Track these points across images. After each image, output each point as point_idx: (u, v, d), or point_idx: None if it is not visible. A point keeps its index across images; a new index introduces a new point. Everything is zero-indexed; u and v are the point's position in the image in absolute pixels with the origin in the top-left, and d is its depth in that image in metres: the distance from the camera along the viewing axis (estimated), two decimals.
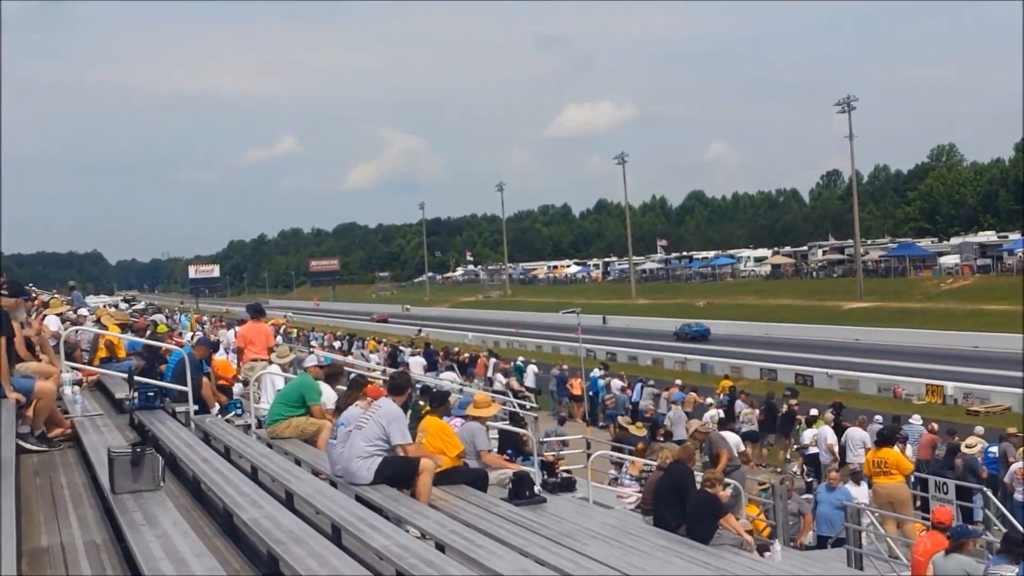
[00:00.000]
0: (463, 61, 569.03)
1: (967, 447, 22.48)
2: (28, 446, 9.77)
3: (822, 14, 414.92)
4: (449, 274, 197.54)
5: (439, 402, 12.87)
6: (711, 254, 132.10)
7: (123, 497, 7.16)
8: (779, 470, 26.45)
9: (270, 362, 16.49)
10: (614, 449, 22.60)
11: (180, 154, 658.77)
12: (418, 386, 16.76)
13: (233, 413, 14.40)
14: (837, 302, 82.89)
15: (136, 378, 12.64)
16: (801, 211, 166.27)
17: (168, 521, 6.57)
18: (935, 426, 26.21)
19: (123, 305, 39.99)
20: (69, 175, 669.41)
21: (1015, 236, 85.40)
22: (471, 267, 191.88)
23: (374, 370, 27.92)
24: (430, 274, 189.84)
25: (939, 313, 69.67)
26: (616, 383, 38.10)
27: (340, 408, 13.00)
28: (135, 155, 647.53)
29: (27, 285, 18.89)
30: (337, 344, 60.82)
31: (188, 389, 12.75)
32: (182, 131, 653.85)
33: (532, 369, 43.87)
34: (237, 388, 16.53)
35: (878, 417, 28.12)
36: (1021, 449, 22.18)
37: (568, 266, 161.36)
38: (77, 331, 16.73)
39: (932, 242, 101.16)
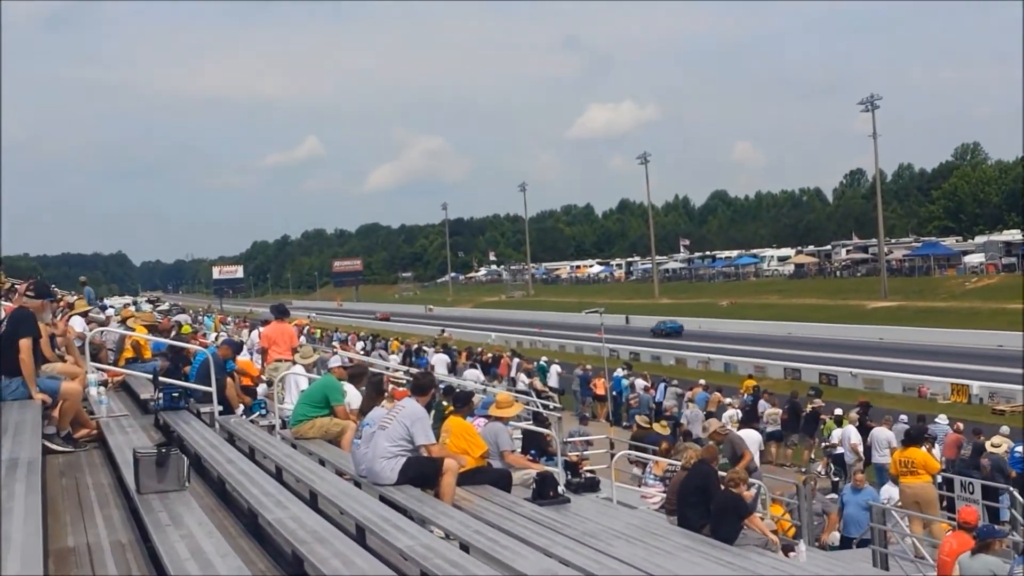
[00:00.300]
0: (486, 62, 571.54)
1: (993, 446, 22.35)
2: (54, 447, 9.82)
3: (846, 13, 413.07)
4: (472, 274, 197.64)
5: (462, 402, 12.88)
6: (734, 253, 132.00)
7: (148, 497, 7.18)
8: (803, 470, 26.36)
9: (294, 363, 16.52)
10: (633, 448, 22.54)
11: (204, 156, 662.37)
12: (441, 386, 16.79)
13: (257, 413, 14.42)
14: (861, 301, 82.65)
15: (161, 379, 12.67)
16: (825, 210, 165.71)
17: (193, 521, 6.58)
18: (960, 426, 26.08)
19: (147, 306, 40.04)
20: (94, 176, 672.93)
21: None
22: (494, 267, 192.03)
23: (397, 370, 27.96)
24: (453, 274, 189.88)
25: (964, 312, 69.40)
26: (639, 383, 38.10)
27: (363, 410, 13.04)
28: (160, 157, 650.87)
29: (52, 286, 18.97)
30: (360, 345, 60.90)
31: (213, 390, 12.75)
32: (206, 133, 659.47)
33: (555, 369, 43.94)
34: (261, 389, 16.56)
35: (903, 417, 27.99)
36: None
37: (591, 266, 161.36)
38: (102, 332, 16.80)
39: (956, 241, 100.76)
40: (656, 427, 24.92)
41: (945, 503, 19.42)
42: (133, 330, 17.67)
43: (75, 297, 27.77)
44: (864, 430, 25.66)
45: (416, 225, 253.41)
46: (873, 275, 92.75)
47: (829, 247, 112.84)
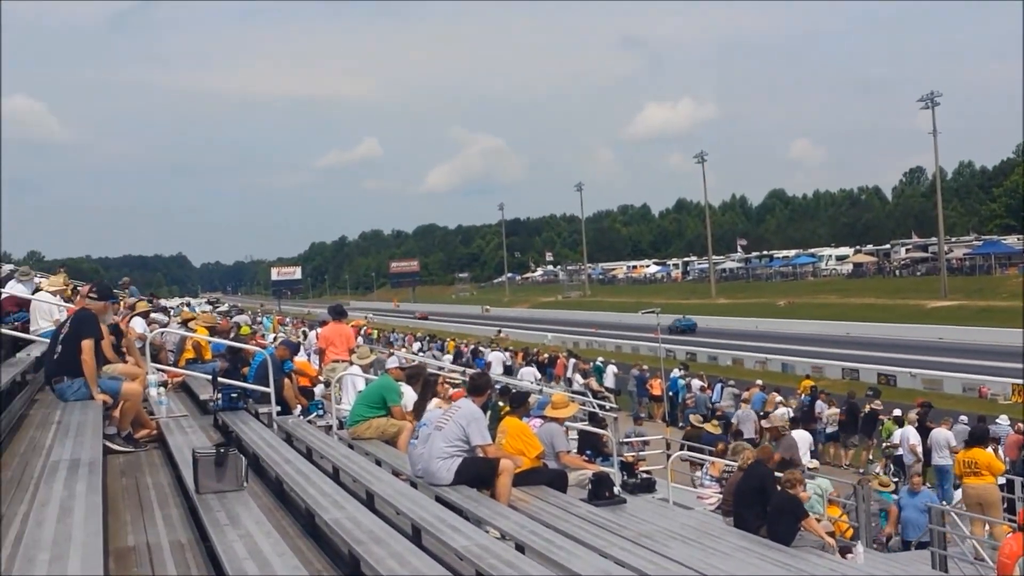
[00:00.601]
0: (544, 61, 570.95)
1: None
2: (115, 447, 9.93)
3: (906, 8, 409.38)
4: (528, 274, 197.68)
5: (518, 403, 12.90)
6: (792, 253, 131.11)
7: (207, 497, 7.24)
8: (861, 471, 26.12)
9: (351, 363, 16.61)
10: (685, 448, 22.44)
11: (263, 157, 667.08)
12: (497, 386, 16.81)
13: (315, 414, 14.53)
14: (920, 301, 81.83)
15: (220, 379, 12.78)
16: (884, 209, 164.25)
17: (251, 521, 6.63)
18: (1022, 426, 25.75)
19: (206, 307, 40.44)
20: (155, 179, 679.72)
21: None
22: (550, 267, 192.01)
23: (452, 371, 28.06)
24: (509, 275, 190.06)
25: None
26: (696, 383, 37.93)
27: (416, 408, 13.11)
28: (219, 158, 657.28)
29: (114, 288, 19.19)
30: (416, 346, 61.14)
31: (271, 390, 12.85)
32: (265, 134, 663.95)
33: (611, 369, 43.84)
34: (319, 389, 16.68)
35: (963, 417, 27.65)
36: None
37: (647, 266, 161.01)
38: (162, 333, 16.99)
39: (1018, 239, 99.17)
40: (708, 426, 24.82)
41: (1006, 504, 19.21)
42: (194, 331, 17.85)
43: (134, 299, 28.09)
44: (924, 431, 25.35)
45: (473, 225, 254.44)
46: (933, 274, 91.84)
47: (888, 246, 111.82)
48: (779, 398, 32.12)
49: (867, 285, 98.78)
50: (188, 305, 41.25)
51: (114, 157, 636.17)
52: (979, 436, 18.59)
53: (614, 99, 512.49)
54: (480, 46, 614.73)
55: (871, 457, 28.97)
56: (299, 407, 14.39)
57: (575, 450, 16.81)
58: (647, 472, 17.56)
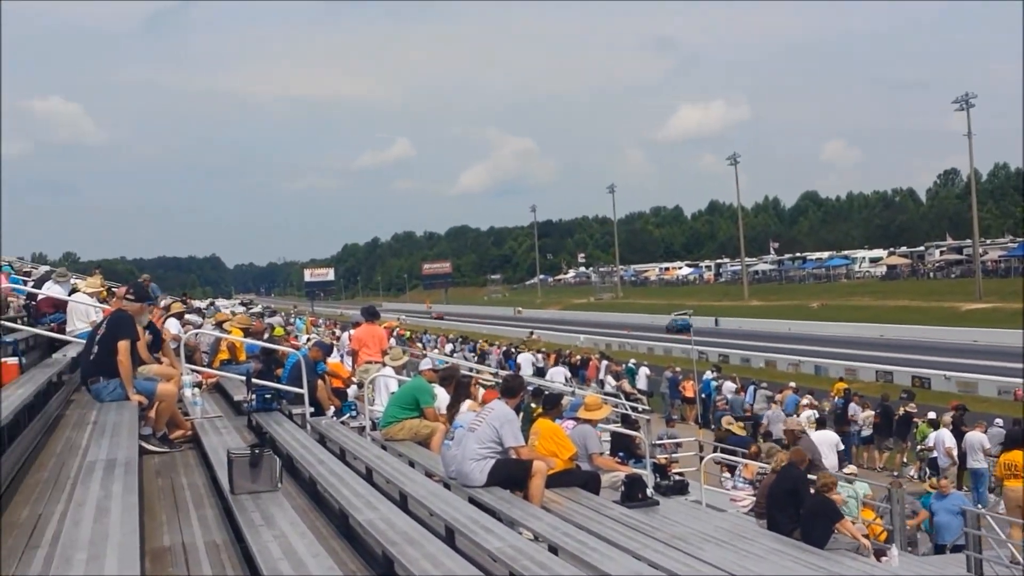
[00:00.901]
0: (576, 62, 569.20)
1: None
2: (150, 447, 10.00)
3: (939, 10, 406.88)
4: (560, 276, 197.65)
5: (551, 404, 12.89)
6: (825, 255, 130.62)
7: (242, 498, 7.28)
8: (895, 474, 25.99)
9: (384, 364, 16.64)
10: (718, 450, 22.37)
11: (296, 158, 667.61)
12: (530, 388, 16.82)
13: (348, 415, 14.57)
14: (955, 303, 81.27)
15: (254, 380, 12.83)
16: (918, 210, 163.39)
17: (285, 521, 6.66)
18: None
19: (239, 308, 40.59)
20: (189, 180, 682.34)
21: None
22: (582, 269, 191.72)
23: (482, 372, 28.08)
24: (541, 276, 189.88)
25: None
26: (729, 385, 37.84)
27: (449, 409, 13.12)
28: (252, 160, 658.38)
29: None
30: (449, 347, 61.21)
31: (304, 391, 12.89)
32: (298, 135, 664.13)
33: (644, 371, 43.79)
34: (352, 390, 16.72)
35: (998, 420, 27.41)
36: None
37: (680, 268, 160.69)
38: (197, 334, 17.07)
39: None
40: (734, 428, 24.74)
41: None
42: (228, 332, 17.93)
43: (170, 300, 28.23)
44: (959, 434, 25.18)
45: (505, 227, 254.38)
46: (967, 276, 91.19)
47: (922, 248, 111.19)
48: (805, 401, 32.01)
49: (901, 287, 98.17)
50: (213, 305, 41.36)
51: (149, 159, 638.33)
52: (1018, 438, 18.44)
53: (647, 100, 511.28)
54: (513, 47, 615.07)
55: (905, 460, 28.82)
56: (332, 408, 14.43)
57: (608, 452, 16.78)
58: (680, 474, 17.55)
